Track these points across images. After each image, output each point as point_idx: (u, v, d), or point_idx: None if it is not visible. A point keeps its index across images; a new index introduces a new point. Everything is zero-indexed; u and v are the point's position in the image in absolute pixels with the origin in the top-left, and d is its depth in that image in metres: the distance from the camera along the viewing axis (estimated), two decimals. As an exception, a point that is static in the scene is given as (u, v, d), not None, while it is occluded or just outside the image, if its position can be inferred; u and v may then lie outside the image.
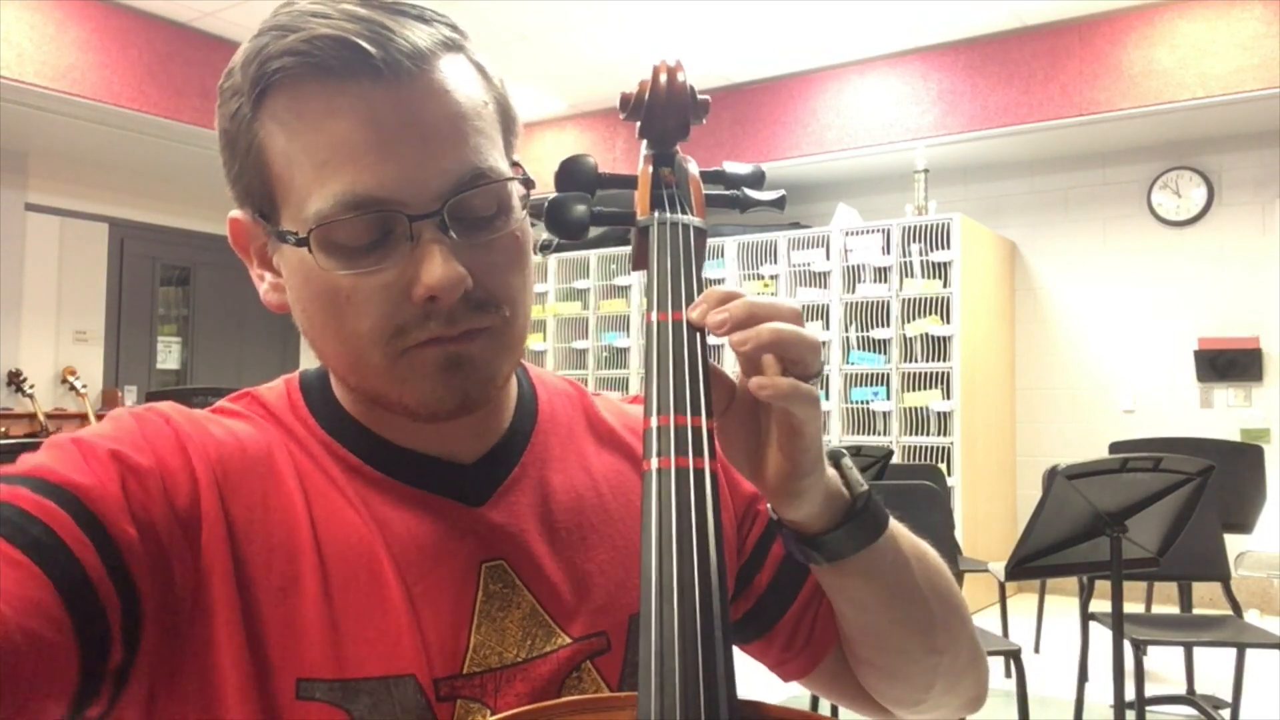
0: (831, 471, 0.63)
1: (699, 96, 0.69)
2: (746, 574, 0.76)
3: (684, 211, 0.67)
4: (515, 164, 0.64)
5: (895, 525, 0.67)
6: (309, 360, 0.66)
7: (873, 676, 0.74)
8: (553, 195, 0.66)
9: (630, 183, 0.70)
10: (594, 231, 0.68)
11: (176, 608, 0.57)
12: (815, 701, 2.62)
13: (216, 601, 0.57)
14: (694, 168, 0.71)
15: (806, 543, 0.63)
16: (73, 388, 6.08)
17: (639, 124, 0.71)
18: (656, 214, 0.66)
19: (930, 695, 0.73)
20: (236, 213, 0.65)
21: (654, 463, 0.54)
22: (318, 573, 0.60)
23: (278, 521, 0.61)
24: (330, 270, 0.58)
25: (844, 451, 0.66)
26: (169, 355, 6.95)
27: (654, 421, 0.56)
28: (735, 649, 0.78)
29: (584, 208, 0.66)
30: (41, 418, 5.82)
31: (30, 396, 5.88)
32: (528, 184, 0.64)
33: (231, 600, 0.58)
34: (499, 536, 0.66)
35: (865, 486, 0.64)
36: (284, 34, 0.57)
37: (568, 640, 0.65)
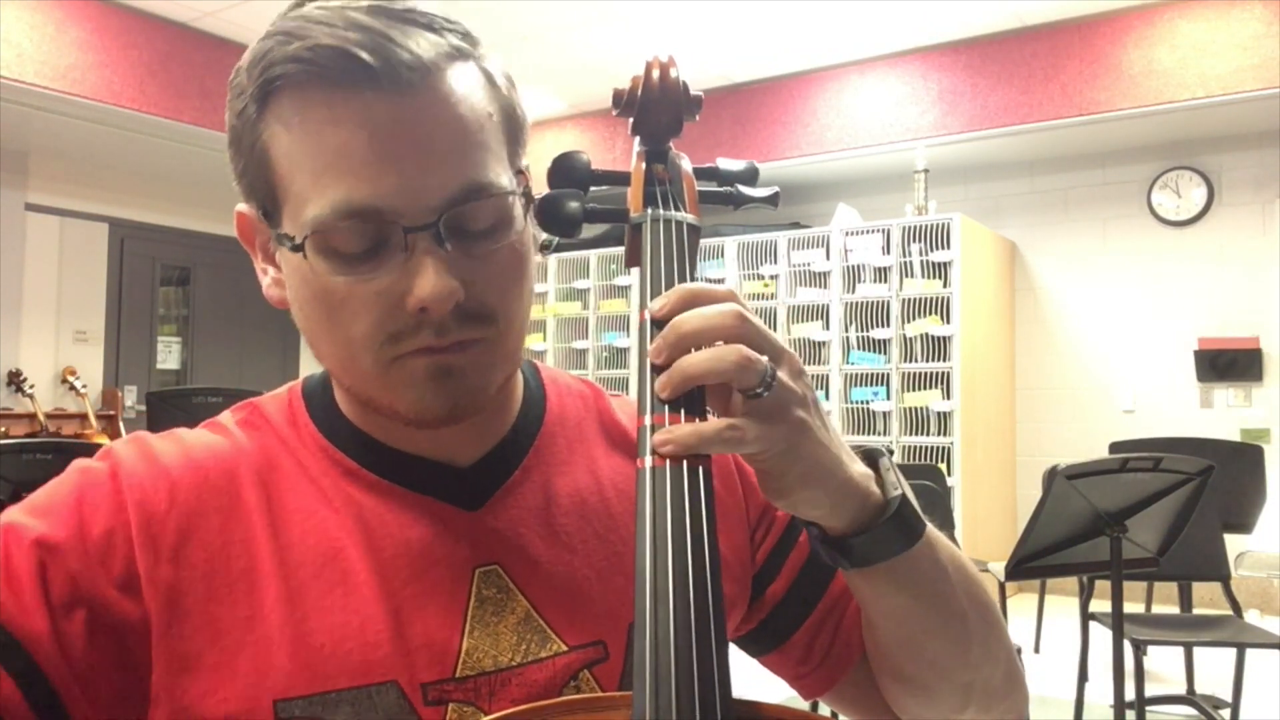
0: (863, 471, 0.60)
1: (692, 93, 0.69)
2: (760, 584, 0.74)
3: (677, 208, 0.66)
4: (520, 172, 0.64)
5: (933, 532, 0.63)
6: (309, 360, 0.67)
7: (902, 694, 0.70)
8: (545, 192, 0.66)
9: (623, 179, 0.69)
10: (589, 230, 0.68)
11: (135, 668, 0.58)
12: (814, 703, 2.61)
13: (176, 648, 0.58)
14: (687, 164, 0.71)
15: (833, 545, 0.60)
16: (73, 388, 6.08)
17: (632, 120, 0.70)
18: (650, 210, 0.66)
19: (962, 718, 0.69)
20: (243, 206, 0.65)
21: (647, 461, 0.54)
22: (283, 594, 0.60)
23: (238, 553, 0.61)
24: (325, 275, 0.58)
25: (883, 451, 0.63)
26: (169, 355, 6.94)
27: (647, 419, 0.55)
28: (759, 662, 0.77)
29: (576, 204, 0.66)
30: (41, 418, 5.82)
31: (30, 396, 5.88)
32: (528, 198, 0.63)
33: (192, 644, 0.58)
34: (494, 541, 0.65)
35: (899, 490, 0.60)
36: (289, 40, 0.57)
37: (564, 647, 0.64)
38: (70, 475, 0.62)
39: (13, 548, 0.57)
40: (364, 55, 0.56)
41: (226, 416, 0.69)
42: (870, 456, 0.63)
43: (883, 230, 5.44)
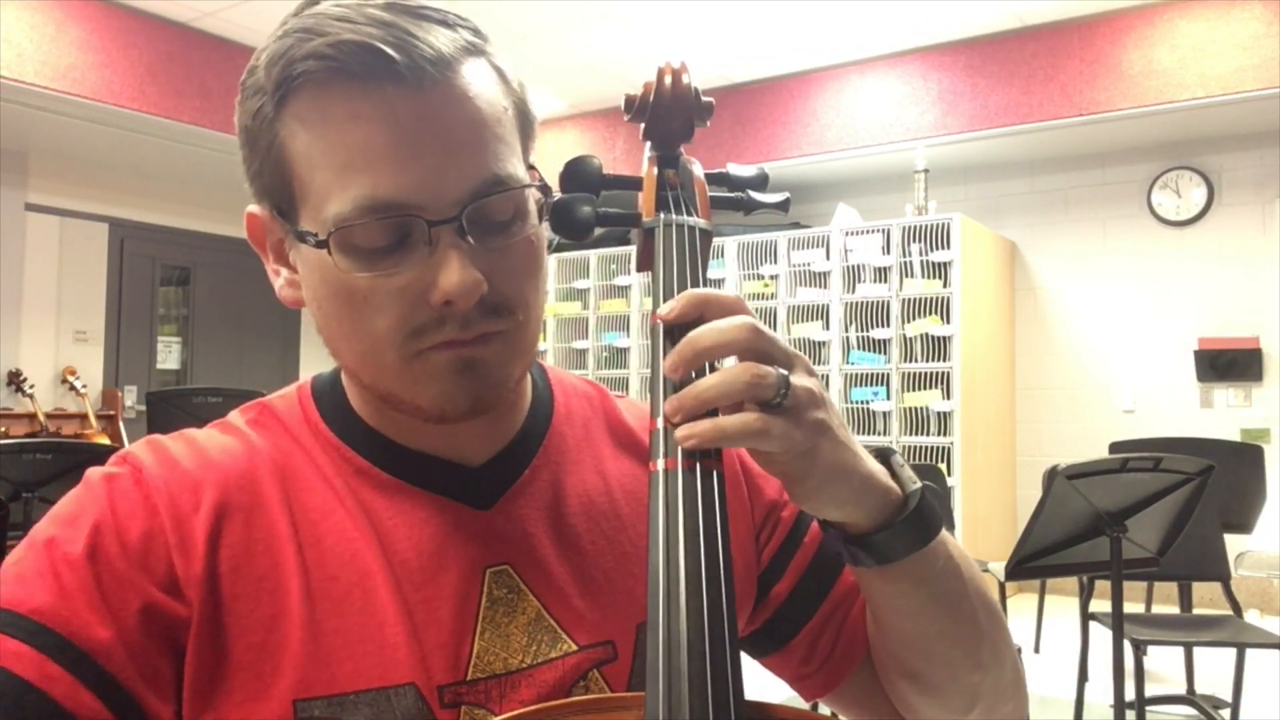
0: (879, 468, 0.60)
1: (703, 99, 0.69)
2: (764, 584, 0.74)
3: (689, 213, 0.67)
4: (531, 167, 0.64)
5: (945, 531, 0.63)
6: (309, 360, 0.67)
7: (909, 693, 0.70)
8: (557, 196, 0.66)
9: (635, 184, 0.70)
10: (597, 232, 0.68)
11: (197, 662, 0.58)
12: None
13: (207, 646, 0.59)
14: (698, 169, 0.71)
15: (854, 543, 0.60)
16: (73, 388, 6.07)
17: (643, 125, 0.71)
18: (662, 215, 0.66)
19: (968, 719, 0.69)
20: (254, 208, 0.65)
21: (660, 464, 0.54)
22: (305, 595, 0.61)
23: (262, 552, 0.61)
24: (348, 272, 0.59)
25: (893, 449, 0.63)
26: (169, 355, 6.94)
27: (660, 423, 0.55)
28: (759, 664, 0.77)
29: (589, 209, 0.66)
30: (41, 418, 5.81)
31: (30, 396, 5.88)
32: (545, 190, 0.64)
33: (220, 642, 0.59)
34: (505, 540, 0.65)
35: (918, 485, 0.60)
36: (309, 37, 0.58)
37: (574, 647, 0.64)
38: (95, 484, 0.62)
39: (61, 564, 0.57)
40: (388, 50, 0.56)
41: (236, 417, 0.69)
42: (882, 454, 0.63)
43: (883, 230, 5.44)
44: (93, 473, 0.63)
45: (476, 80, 0.60)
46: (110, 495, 0.61)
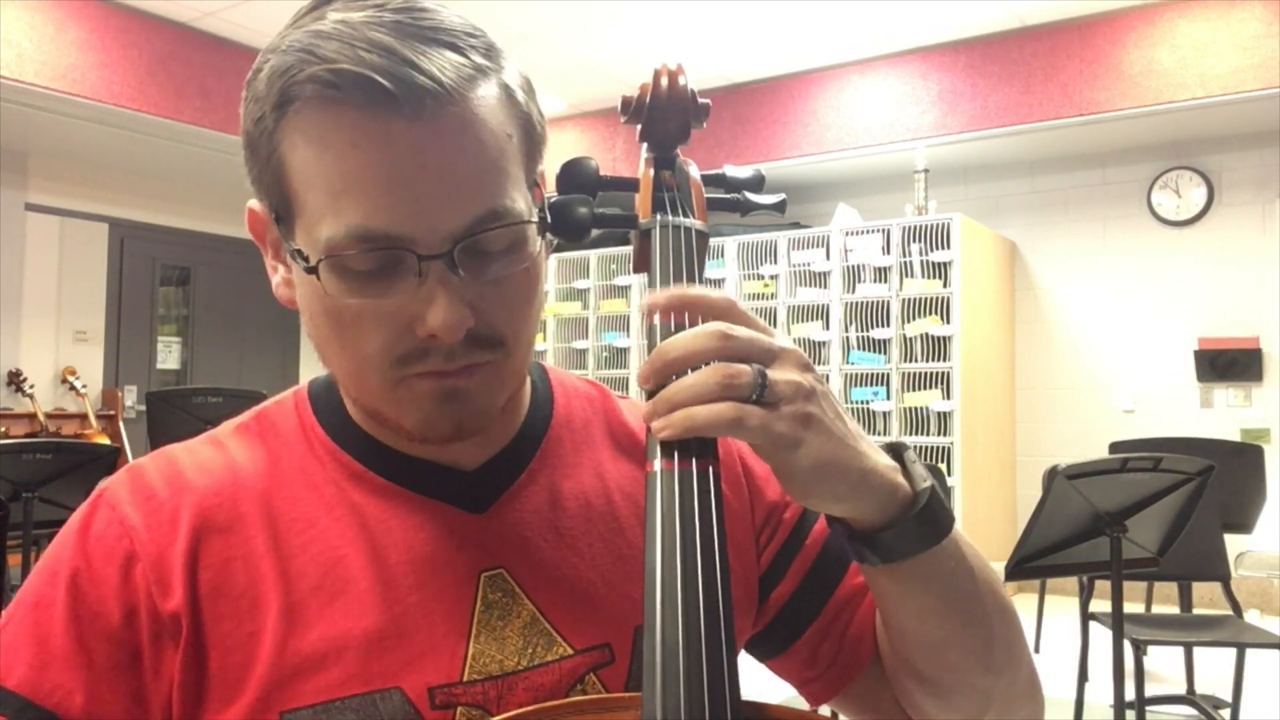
0: (888, 463, 0.58)
1: (700, 100, 0.69)
2: (765, 587, 0.74)
3: (686, 214, 0.67)
4: (535, 185, 0.64)
5: (958, 530, 0.61)
6: (309, 360, 0.67)
7: (919, 697, 0.68)
8: (554, 197, 0.66)
9: (631, 185, 0.70)
10: (594, 233, 0.68)
11: (182, 686, 0.60)
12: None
13: (191, 673, 0.60)
14: (695, 171, 0.71)
15: (859, 540, 0.59)
16: (73, 388, 6.08)
17: (640, 127, 0.70)
18: (659, 216, 0.66)
19: None
20: (255, 203, 0.64)
21: (657, 465, 0.54)
22: (285, 607, 0.61)
23: (239, 570, 0.62)
24: (338, 296, 0.58)
25: (907, 445, 0.61)
26: (169, 355, 6.94)
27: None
28: (765, 666, 0.76)
29: (586, 210, 0.66)
30: (41, 418, 5.82)
31: (30, 396, 5.88)
32: (544, 220, 0.63)
33: (203, 666, 0.60)
34: (500, 544, 0.65)
35: (929, 483, 0.58)
36: (309, 59, 0.56)
37: (570, 650, 0.64)
38: (72, 534, 0.63)
39: (44, 628, 0.59)
40: (385, 82, 0.55)
41: (228, 427, 0.70)
42: (895, 449, 0.62)
43: (883, 230, 5.44)
44: (73, 520, 0.64)
45: (480, 109, 0.58)
46: (85, 546, 0.62)
